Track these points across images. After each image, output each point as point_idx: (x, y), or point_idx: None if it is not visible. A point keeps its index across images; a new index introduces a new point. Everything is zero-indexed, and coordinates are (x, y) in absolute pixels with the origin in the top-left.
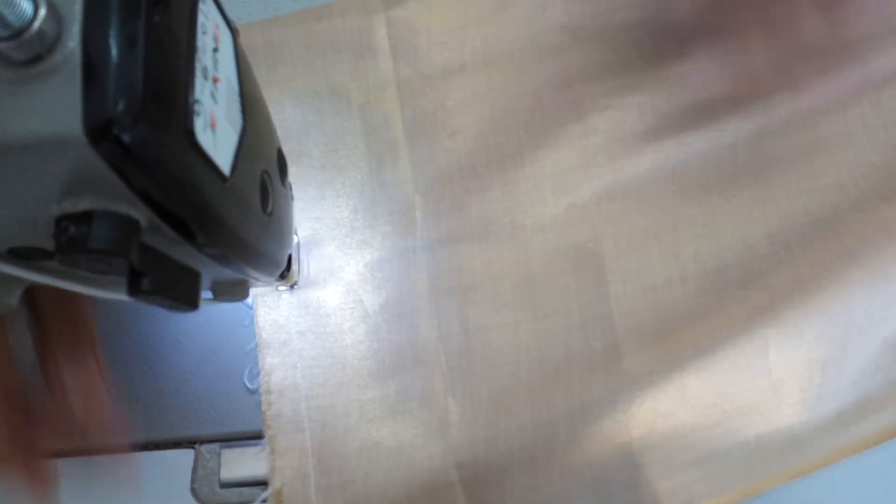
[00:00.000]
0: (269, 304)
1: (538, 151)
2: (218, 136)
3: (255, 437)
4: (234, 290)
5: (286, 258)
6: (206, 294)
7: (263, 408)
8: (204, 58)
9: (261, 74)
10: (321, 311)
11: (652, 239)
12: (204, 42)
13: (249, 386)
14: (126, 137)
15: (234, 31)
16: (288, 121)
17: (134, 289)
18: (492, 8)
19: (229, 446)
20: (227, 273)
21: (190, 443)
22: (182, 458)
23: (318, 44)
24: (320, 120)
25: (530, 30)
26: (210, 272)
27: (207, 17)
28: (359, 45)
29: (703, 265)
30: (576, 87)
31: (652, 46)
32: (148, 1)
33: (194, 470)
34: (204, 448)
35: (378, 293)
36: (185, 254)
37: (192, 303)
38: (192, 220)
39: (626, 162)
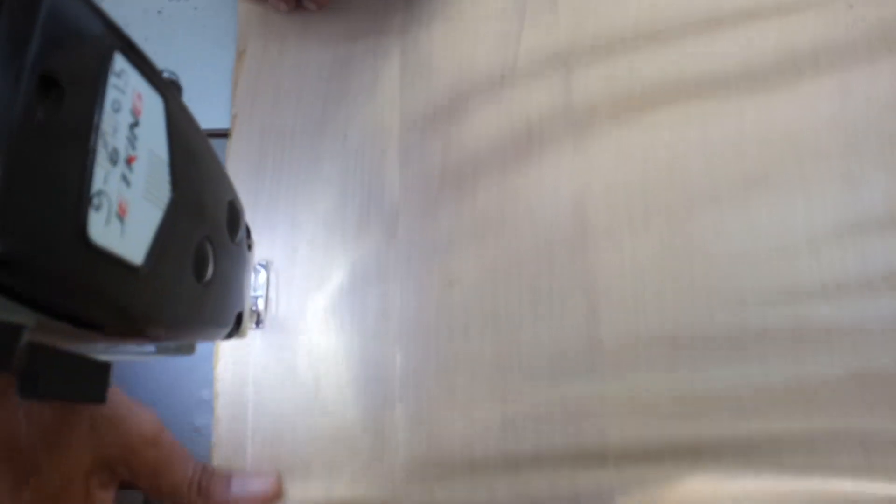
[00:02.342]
0: (231, 343)
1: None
2: (129, 223)
3: None
4: (179, 349)
5: (232, 319)
6: (149, 349)
7: (212, 454)
8: (114, 140)
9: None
10: (282, 356)
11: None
12: (116, 121)
13: (196, 425)
14: None
15: (166, 95)
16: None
17: (26, 392)
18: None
19: None
20: None
21: None
22: (130, 499)
23: (328, 189)
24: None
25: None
26: (138, 346)
27: (124, 91)
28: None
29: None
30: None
31: None
32: (31, 93)
33: None
34: None
35: (349, 340)
36: (94, 339)
37: (97, 398)
38: (94, 318)
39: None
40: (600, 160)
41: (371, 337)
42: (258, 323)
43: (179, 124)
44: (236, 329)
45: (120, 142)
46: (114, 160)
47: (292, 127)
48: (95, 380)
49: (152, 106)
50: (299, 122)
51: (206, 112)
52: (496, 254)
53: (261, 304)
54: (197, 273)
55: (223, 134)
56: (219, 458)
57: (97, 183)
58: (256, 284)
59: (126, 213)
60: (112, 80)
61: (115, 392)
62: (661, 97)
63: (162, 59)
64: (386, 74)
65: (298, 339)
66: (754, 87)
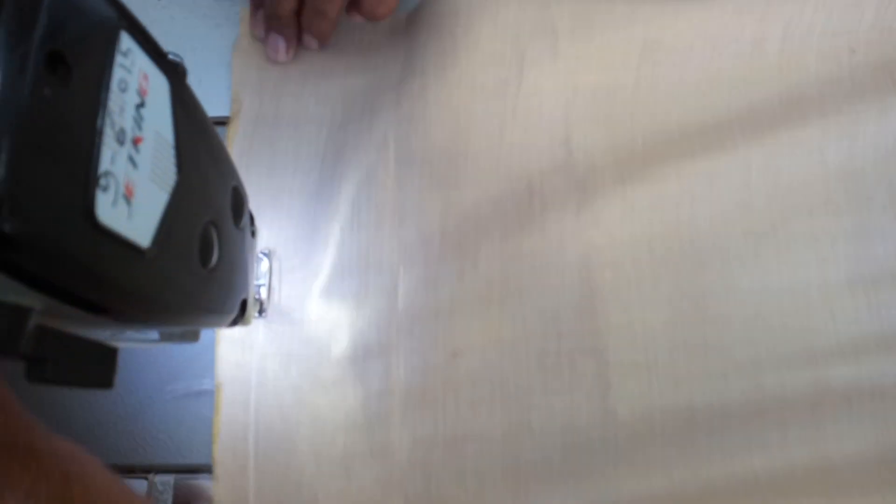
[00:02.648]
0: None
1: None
2: (135, 205)
3: (211, 470)
4: (184, 336)
5: (237, 305)
6: (153, 335)
7: (213, 443)
8: (121, 120)
9: None
10: (283, 428)
11: None
12: (123, 101)
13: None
14: None
15: (171, 77)
16: None
17: (34, 377)
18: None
19: (184, 478)
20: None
21: (144, 471)
22: (134, 488)
23: (325, 254)
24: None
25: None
26: (143, 332)
27: (130, 71)
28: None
29: None
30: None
31: None
32: (38, 71)
33: None
34: (157, 479)
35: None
36: (100, 325)
37: (105, 384)
38: (101, 301)
39: None
40: (605, 217)
41: (374, 413)
42: (261, 312)
43: (185, 107)
44: (241, 316)
45: (127, 122)
46: (120, 140)
47: (289, 189)
48: (103, 365)
49: (158, 87)
50: (295, 183)
51: (206, 99)
52: (501, 321)
53: (263, 293)
54: (202, 258)
55: (223, 121)
56: None
57: (104, 163)
58: (259, 273)
59: (133, 195)
60: (119, 59)
61: (117, 481)
62: (664, 149)
63: (162, 47)
64: (383, 133)
65: (299, 412)
66: (760, 136)
